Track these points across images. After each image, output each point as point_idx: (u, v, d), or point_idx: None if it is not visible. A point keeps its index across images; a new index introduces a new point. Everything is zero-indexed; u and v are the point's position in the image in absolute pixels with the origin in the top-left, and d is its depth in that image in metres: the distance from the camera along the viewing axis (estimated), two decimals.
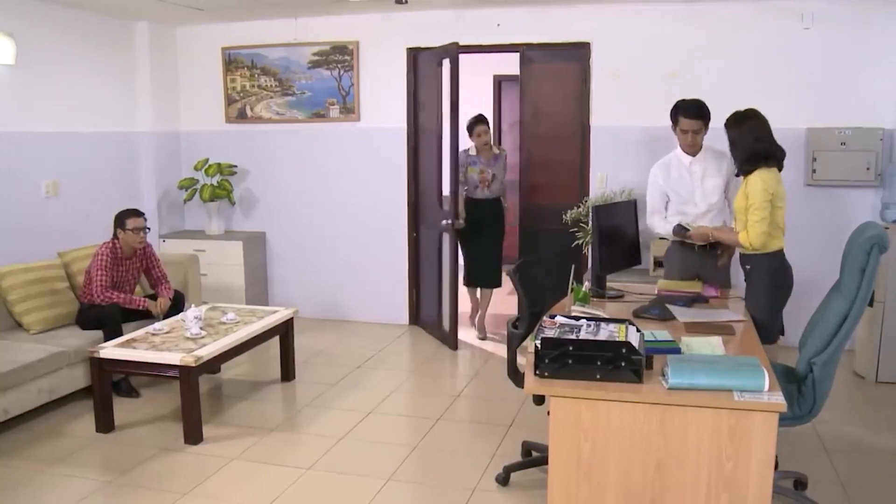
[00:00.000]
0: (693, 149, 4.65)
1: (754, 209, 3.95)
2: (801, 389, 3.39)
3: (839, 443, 4.41)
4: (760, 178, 3.98)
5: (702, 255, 4.58)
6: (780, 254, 4.08)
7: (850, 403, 5.09)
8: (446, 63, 6.09)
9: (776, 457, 4.16)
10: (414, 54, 6.76)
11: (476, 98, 8.51)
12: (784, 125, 5.92)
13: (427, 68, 6.58)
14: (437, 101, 6.33)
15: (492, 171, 6.41)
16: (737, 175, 4.23)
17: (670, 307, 3.90)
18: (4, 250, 5.56)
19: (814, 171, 5.86)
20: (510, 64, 7.09)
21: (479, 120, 6.47)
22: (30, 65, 5.84)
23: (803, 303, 5.68)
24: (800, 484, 3.75)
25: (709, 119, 4.60)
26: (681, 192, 4.68)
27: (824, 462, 4.14)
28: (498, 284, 6.67)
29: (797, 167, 5.97)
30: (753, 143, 4.05)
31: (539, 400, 3.34)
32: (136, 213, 5.31)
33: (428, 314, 6.91)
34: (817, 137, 5.85)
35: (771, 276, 4.04)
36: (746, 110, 4.21)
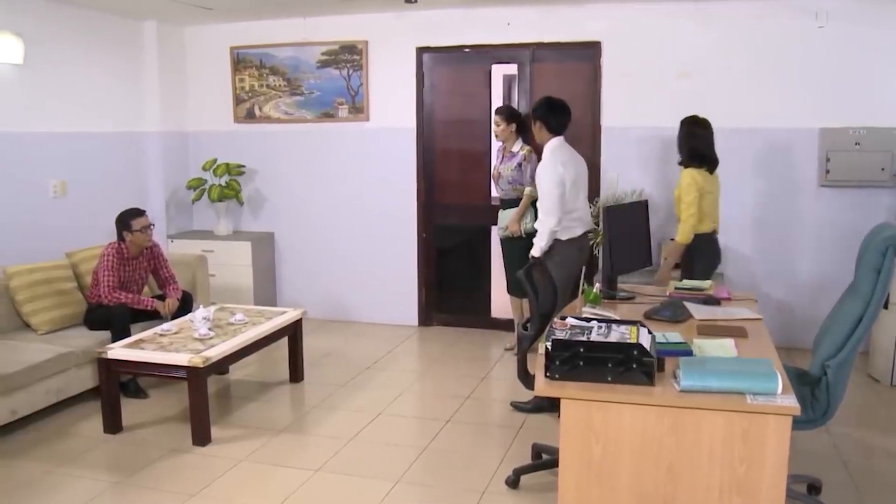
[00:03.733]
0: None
1: (686, 206, 4.93)
2: (815, 392, 3.34)
3: (853, 446, 4.36)
4: (690, 176, 4.94)
5: None
6: (708, 234, 5.06)
7: (864, 407, 5.03)
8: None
9: None
10: (423, 54, 6.74)
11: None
12: (797, 125, 5.94)
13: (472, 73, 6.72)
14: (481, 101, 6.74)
15: (498, 170, 6.13)
16: (679, 163, 5.12)
17: (688, 304, 3.90)
18: (12, 250, 5.56)
19: (827, 171, 5.80)
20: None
21: (495, 111, 6.11)
22: (37, 64, 5.84)
23: (817, 304, 5.68)
24: (813, 488, 3.71)
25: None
26: None
27: (838, 466, 4.09)
28: (509, 291, 6.15)
29: (810, 168, 5.93)
30: (694, 145, 5.01)
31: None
32: (139, 213, 5.30)
33: None
34: (831, 137, 5.79)
35: (701, 252, 5.03)
36: (701, 119, 5.11)
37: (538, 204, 5.12)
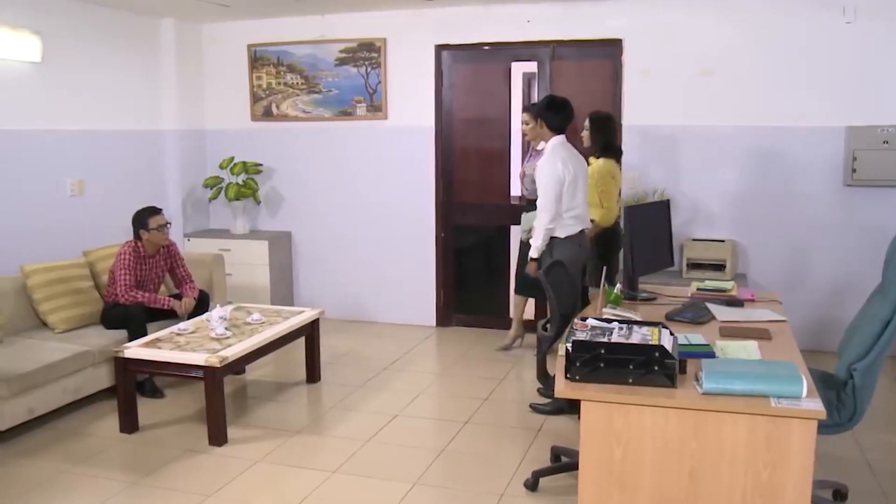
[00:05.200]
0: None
1: (607, 195, 5.44)
2: (841, 396, 3.27)
3: (881, 452, 4.26)
4: (606, 167, 5.47)
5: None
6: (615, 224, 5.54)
7: (892, 412, 4.93)
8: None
9: None
10: (442, 51, 6.69)
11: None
12: (823, 123, 5.84)
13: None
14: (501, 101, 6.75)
15: (523, 168, 6.13)
16: (596, 156, 5.55)
17: (711, 307, 3.86)
18: (30, 249, 5.56)
19: (854, 170, 5.69)
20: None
21: (523, 109, 6.15)
22: (55, 62, 5.84)
23: (843, 306, 5.57)
24: (839, 495, 3.63)
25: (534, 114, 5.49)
26: None
27: (865, 472, 4.01)
28: (517, 291, 6.18)
29: (836, 167, 5.82)
30: (608, 138, 5.56)
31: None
32: (156, 211, 5.28)
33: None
34: (858, 136, 5.67)
35: (615, 235, 5.58)
36: (610, 114, 5.74)
37: (537, 202, 5.12)
